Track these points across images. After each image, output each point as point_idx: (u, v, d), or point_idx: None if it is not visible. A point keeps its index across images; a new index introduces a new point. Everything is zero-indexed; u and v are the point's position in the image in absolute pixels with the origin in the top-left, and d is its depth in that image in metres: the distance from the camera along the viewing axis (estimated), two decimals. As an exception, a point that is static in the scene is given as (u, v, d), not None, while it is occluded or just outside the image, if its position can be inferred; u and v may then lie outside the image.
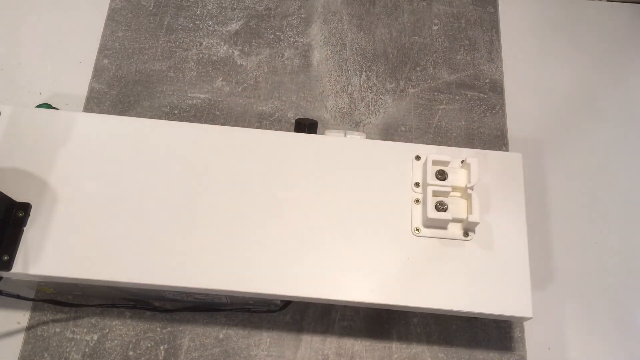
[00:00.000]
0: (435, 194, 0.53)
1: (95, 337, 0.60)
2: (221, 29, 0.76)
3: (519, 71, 0.76)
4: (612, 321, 0.64)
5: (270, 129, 0.70)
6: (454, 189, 0.54)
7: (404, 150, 0.57)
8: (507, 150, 0.71)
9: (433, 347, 0.61)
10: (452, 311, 0.51)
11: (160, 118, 0.70)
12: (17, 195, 0.53)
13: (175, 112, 0.71)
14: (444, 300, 0.51)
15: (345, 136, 0.58)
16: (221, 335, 0.61)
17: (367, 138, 0.59)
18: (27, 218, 0.52)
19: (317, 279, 0.51)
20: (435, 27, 0.78)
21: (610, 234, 0.68)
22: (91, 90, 0.72)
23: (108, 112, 0.70)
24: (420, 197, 0.55)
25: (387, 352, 0.61)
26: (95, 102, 0.71)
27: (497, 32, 0.79)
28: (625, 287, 0.65)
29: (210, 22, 0.77)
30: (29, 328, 0.60)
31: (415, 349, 0.61)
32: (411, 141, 0.71)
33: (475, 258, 0.53)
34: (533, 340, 0.62)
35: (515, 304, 0.51)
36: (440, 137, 0.71)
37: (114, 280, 0.51)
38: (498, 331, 0.62)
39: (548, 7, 0.81)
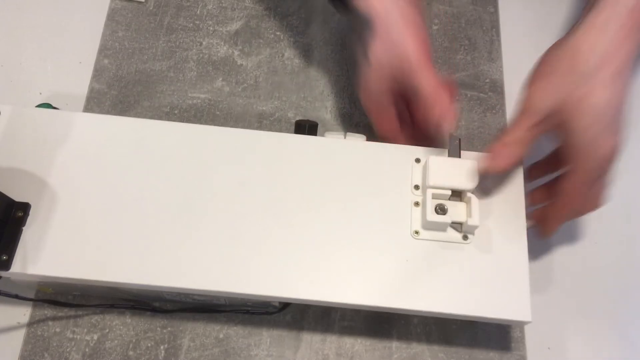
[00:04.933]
0: (434, 196, 0.53)
1: (96, 337, 0.60)
2: (221, 28, 0.76)
3: (519, 71, 0.75)
4: (612, 321, 0.64)
5: (270, 129, 0.70)
6: (454, 191, 0.54)
7: (404, 152, 0.57)
8: (507, 150, 0.71)
9: (433, 346, 0.61)
10: (450, 314, 0.51)
11: (160, 118, 0.70)
12: (17, 195, 0.53)
13: (176, 112, 0.71)
14: (442, 303, 0.51)
15: (345, 138, 0.58)
16: (221, 335, 0.61)
17: (368, 139, 0.59)
18: (27, 218, 0.52)
19: (315, 281, 0.51)
20: (435, 27, 0.78)
21: (610, 234, 0.68)
22: (91, 90, 0.72)
23: (108, 112, 0.70)
24: (419, 199, 0.55)
25: (387, 352, 0.61)
26: (96, 102, 0.71)
27: (497, 32, 0.78)
28: (626, 287, 0.65)
29: (210, 22, 0.77)
30: (29, 328, 0.60)
31: (416, 348, 0.61)
32: (411, 141, 0.71)
33: (475, 261, 0.53)
34: (533, 340, 0.62)
35: (514, 308, 0.51)
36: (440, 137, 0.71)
37: (113, 280, 0.51)
38: (498, 331, 0.62)
39: (548, 8, 0.81)
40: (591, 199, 0.55)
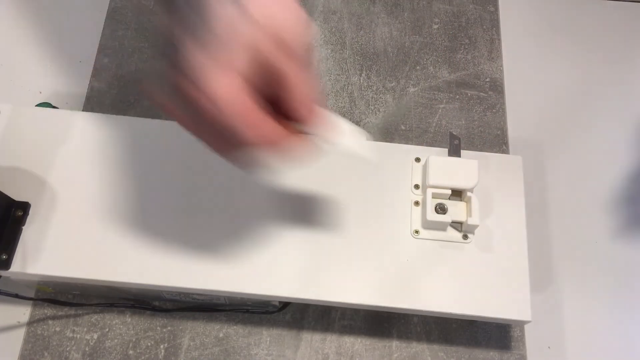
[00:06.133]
0: (434, 196, 0.53)
1: (96, 336, 0.60)
2: (221, 27, 0.76)
3: (519, 70, 0.76)
4: (612, 321, 0.64)
5: (270, 128, 0.70)
6: (454, 191, 0.54)
7: (404, 151, 0.57)
8: (507, 149, 0.71)
9: (433, 346, 0.61)
10: (450, 314, 0.51)
11: (160, 117, 0.70)
12: (16, 194, 0.53)
13: (175, 111, 0.71)
14: (442, 303, 0.51)
15: (345, 137, 0.58)
16: (221, 335, 0.61)
17: (368, 138, 0.59)
18: (26, 217, 0.52)
19: (315, 280, 0.51)
20: (435, 26, 0.78)
21: (610, 234, 0.68)
22: (91, 89, 0.72)
23: (108, 111, 0.70)
24: (419, 199, 0.55)
25: (387, 351, 0.61)
26: (96, 101, 0.71)
27: (498, 31, 0.78)
28: (626, 286, 0.65)
29: (210, 21, 0.76)
30: (29, 327, 0.60)
31: (416, 347, 0.61)
32: (411, 140, 0.70)
33: (475, 261, 0.53)
34: (533, 339, 0.62)
35: (514, 307, 0.51)
36: (440, 137, 0.71)
37: (113, 280, 0.51)
38: (498, 330, 0.62)
39: (548, 7, 0.81)
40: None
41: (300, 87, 0.34)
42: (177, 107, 0.33)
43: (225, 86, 0.31)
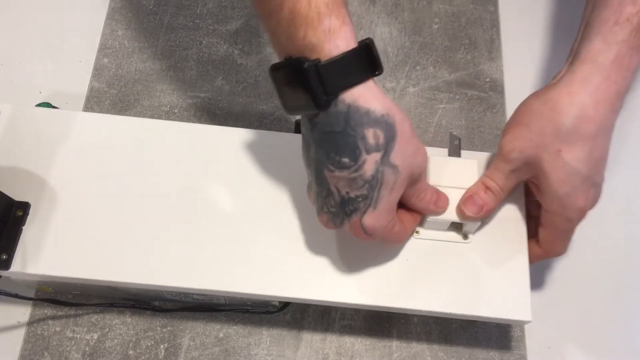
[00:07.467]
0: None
1: (96, 336, 0.60)
2: (221, 27, 0.76)
3: (519, 70, 0.76)
4: (612, 321, 0.64)
5: (270, 128, 0.70)
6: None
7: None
8: (507, 149, 0.71)
9: (433, 346, 0.61)
10: (450, 314, 0.51)
11: (160, 117, 0.70)
12: (16, 194, 0.53)
13: (175, 111, 0.71)
14: (442, 303, 0.51)
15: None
16: (221, 335, 0.61)
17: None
18: (26, 217, 0.52)
19: (315, 280, 0.51)
20: (435, 26, 0.78)
21: (610, 234, 0.68)
22: (91, 89, 0.72)
23: (108, 111, 0.70)
24: (419, 198, 0.55)
25: (388, 350, 0.61)
26: (95, 101, 0.71)
27: (498, 31, 0.78)
28: (626, 286, 0.65)
29: (210, 21, 0.76)
30: (29, 327, 0.60)
31: (416, 347, 0.61)
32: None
33: (475, 261, 0.53)
34: (533, 339, 0.62)
35: (514, 307, 0.51)
36: (440, 137, 0.71)
37: (113, 280, 0.51)
38: (498, 330, 0.62)
39: (549, 7, 0.81)
40: (560, 247, 0.54)
41: (426, 196, 0.49)
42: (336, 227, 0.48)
43: (376, 222, 0.45)
